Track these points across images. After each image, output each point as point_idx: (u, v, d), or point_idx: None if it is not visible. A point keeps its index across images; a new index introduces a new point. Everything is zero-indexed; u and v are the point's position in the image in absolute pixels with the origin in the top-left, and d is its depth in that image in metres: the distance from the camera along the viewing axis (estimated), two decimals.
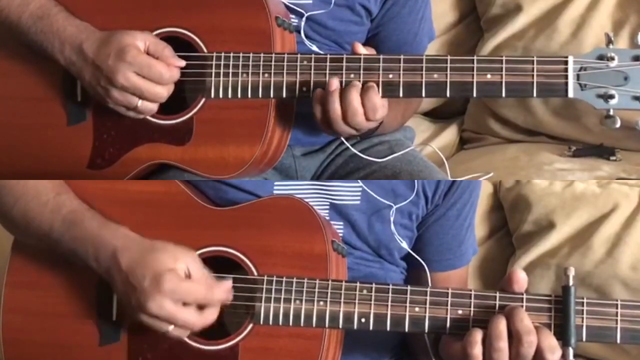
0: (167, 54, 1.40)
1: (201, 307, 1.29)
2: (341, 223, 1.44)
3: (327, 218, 1.43)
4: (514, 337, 1.23)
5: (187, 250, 1.31)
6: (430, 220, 1.50)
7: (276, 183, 1.46)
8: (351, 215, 1.43)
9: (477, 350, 1.24)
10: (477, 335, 1.25)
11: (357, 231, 1.44)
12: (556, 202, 1.82)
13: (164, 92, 1.40)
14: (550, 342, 1.24)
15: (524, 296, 1.28)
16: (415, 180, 1.45)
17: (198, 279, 1.29)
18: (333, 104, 1.36)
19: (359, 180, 1.45)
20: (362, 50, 1.41)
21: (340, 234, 1.44)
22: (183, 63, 1.41)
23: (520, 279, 1.29)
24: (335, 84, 1.37)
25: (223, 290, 1.30)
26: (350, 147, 1.51)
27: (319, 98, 1.38)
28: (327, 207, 1.44)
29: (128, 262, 1.29)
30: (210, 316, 1.29)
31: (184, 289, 1.26)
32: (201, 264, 1.31)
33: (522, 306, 1.27)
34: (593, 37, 1.90)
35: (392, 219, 1.43)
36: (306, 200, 1.38)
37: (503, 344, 1.23)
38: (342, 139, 1.49)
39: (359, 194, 1.44)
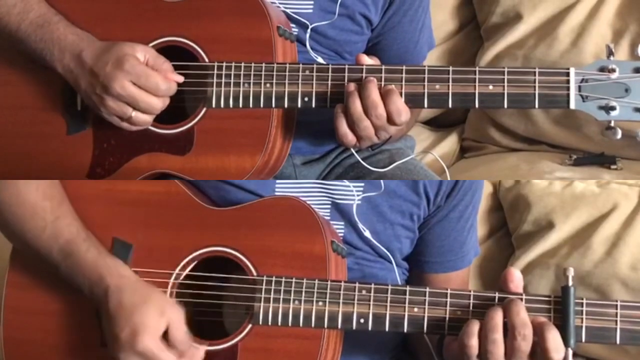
0: (166, 68, 1.40)
1: None
2: (342, 223, 1.44)
3: (328, 218, 1.43)
4: (509, 330, 1.23)
5: (175, 306, 1.31)
6: (432, 222, 1.50)
7: (278, 181, 1.46)
8: (352, 215, 1.43)
9: (474, 341, 1.24)
10: (475, 326, 1.25)
11: (358, 231, 1.44)
12: (556, 202, 1.81)
13: (159, 103, 1.39)
14: (557, 343, 1.23)
15: (523, 297, 1.28)
16: (418, 181, 1.45)
17: (174, 340, 1.29)
18: (354, 102, 1.36)
19: (361, 180, 1.45)
20: (366, 60, 1.41)
21: (341, 234, 1.44)
22: (181, 79, 1.41)
23: (516, 277, 1.29)
24: (352, 85, 1.37)
25: (195, 358, 1.31)
26: (354, 153, 1.50)
27: (340, 109, 1.38)
28: (329, 206, 1.44)
29: (115, 306, 1.30)
30: None
31: (156, 355, 1.27)
32: (183, 323, 1.31)
33: (521, 299, 1.27)
34: (593, 45, 1.89)
35: (354, 207, 1.43)
36: (308, 199, 1.38)
37: (498, 336, 1.23)
38: None
39: (361, 194, 1.43)
